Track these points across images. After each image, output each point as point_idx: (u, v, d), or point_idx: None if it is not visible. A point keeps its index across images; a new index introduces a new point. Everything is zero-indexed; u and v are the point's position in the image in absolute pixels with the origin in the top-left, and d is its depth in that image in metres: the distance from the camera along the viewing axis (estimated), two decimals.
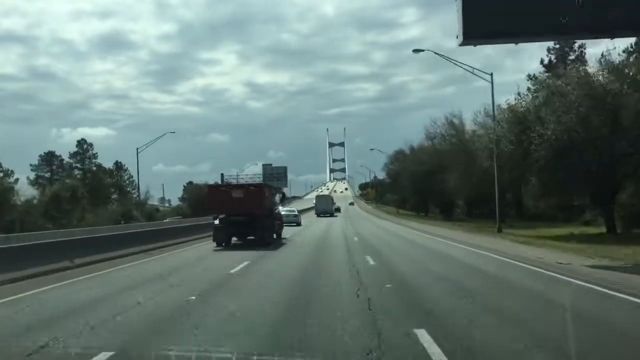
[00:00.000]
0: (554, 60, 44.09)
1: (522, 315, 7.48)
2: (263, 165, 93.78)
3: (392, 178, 77.88)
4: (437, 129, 44.90)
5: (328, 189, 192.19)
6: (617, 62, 23.76)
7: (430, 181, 53.70)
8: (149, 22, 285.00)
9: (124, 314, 7.84)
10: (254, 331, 6.53)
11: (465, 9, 11.71)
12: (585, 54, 44.21)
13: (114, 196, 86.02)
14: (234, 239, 22.63)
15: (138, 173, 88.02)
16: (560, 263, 13.54)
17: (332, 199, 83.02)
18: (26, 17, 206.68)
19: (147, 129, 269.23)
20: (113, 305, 8.50)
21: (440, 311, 7.70)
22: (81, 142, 74.93)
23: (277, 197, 30.33)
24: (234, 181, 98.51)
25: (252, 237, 22.36)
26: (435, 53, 30.41)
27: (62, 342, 6.12)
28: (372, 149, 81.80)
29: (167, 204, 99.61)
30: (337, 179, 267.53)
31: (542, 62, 46.23)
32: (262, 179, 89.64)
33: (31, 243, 15.32)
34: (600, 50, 44.07)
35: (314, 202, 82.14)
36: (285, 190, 72.42)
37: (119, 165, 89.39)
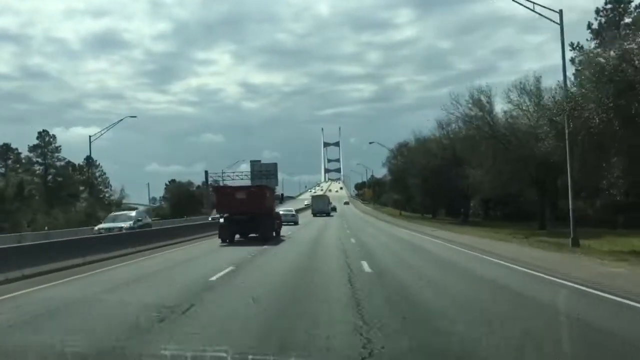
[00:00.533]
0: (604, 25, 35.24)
1: None
2: (251, 162, 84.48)
3: (395, 175, 68.65)
4: (458, 110, 35.61)
5: (322, 190, 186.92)
6: None
7: (442, 177, 45.06)
8: (143, 21, 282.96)
9: None
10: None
11: None
12: None
13: (84, 195, 77.67)
14: (236, 236, 24.41)
15: (90, 163, 79.98)
16: None
17: (328, 199, 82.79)
18: (19, 15, 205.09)
19: (141, 129, 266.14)
20: None
21: None
22: (42, 134, 65.66)
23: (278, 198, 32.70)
24: (219, 179, 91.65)
25: (253, 235, 24.38)
26: None
27: None
28: (371, 142, 73.05)
29: (158, 204, 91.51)
30: (332, 179, 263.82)
31: (589, 26, 37.36)
32: (249, 177, 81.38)
33: None
34: None
35: (310, 202, 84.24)
36: (275, 189, 66.57)
37: (89, 161, 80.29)
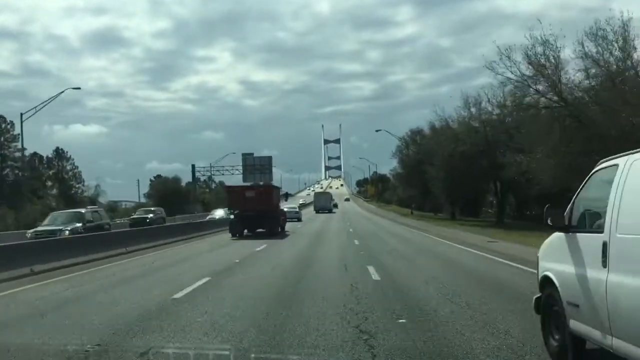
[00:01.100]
0: None
1: None
2: (243, 154, 74.67)
3: (406, 169, 58.88)
4: (509, 68, 24.97)
5: (322, 187, 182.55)
6: None
7: (474, 167, 35.90)
8: (143, 19, 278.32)
9: None
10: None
11: None
12: None
13: (53, 191, 68.52)
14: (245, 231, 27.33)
15: (60, 155, 70.94)
16: None
17: (330, 196, 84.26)
18: (19, 13, 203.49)
19: (141, 127, 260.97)
20: None
21: None
22: None
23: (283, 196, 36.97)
24: (208, 173, 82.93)
25: (261, 230, 27.22)
26: None
27: None
28: (378, 130, 63.82)
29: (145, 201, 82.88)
30: (333, 177, 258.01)
31: None
32: (241, 170, 72.11)
33: None
34: None
35: (313, 199, 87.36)
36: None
37: (60, 153, 71.13)
